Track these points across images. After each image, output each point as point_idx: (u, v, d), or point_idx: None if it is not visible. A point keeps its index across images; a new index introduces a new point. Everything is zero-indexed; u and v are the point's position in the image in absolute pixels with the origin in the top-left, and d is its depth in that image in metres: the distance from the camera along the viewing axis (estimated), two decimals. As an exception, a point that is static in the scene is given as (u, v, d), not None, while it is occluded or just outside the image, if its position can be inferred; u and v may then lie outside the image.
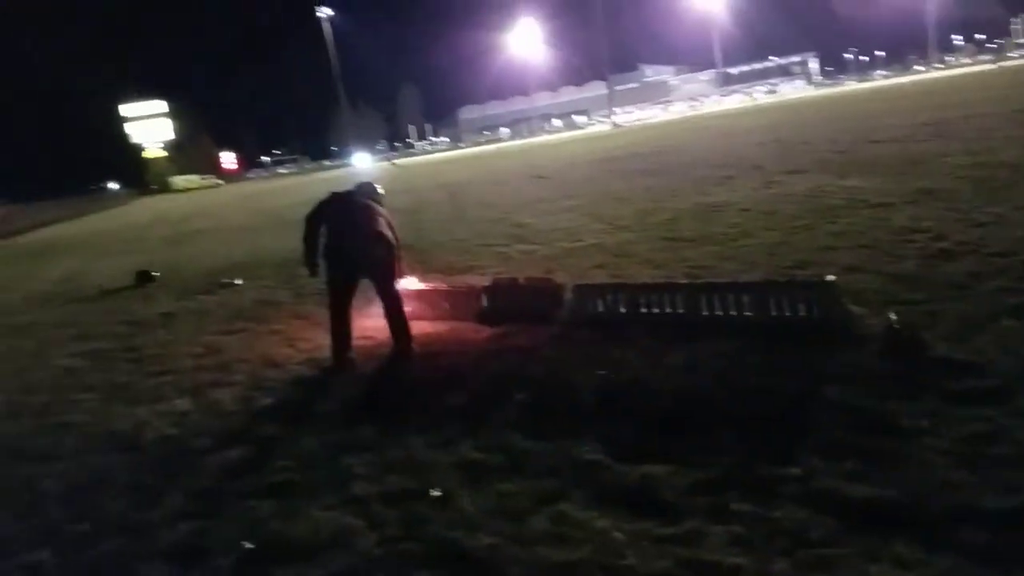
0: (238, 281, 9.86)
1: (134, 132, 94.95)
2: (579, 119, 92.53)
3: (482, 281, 6.32)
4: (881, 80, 48.46)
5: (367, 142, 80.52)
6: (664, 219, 9.93)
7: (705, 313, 5.06)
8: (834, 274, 5.80)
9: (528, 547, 2.71)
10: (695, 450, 3.26)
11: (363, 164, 59.87)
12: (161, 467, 3.98)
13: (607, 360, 4.61)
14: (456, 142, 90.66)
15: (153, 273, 11.30)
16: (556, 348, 5.04)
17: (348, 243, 5.34)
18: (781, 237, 7.58)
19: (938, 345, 4.07)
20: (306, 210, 5.52)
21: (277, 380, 5.22)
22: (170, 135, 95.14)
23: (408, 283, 6.10)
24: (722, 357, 4.39)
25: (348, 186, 5.84)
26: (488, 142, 70.90)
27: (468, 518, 2.97)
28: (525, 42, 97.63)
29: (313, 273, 5.54)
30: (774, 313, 4.81)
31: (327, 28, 71.39)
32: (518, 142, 61.50)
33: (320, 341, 5.88)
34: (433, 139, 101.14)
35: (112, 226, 31.69)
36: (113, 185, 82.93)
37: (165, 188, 78.71)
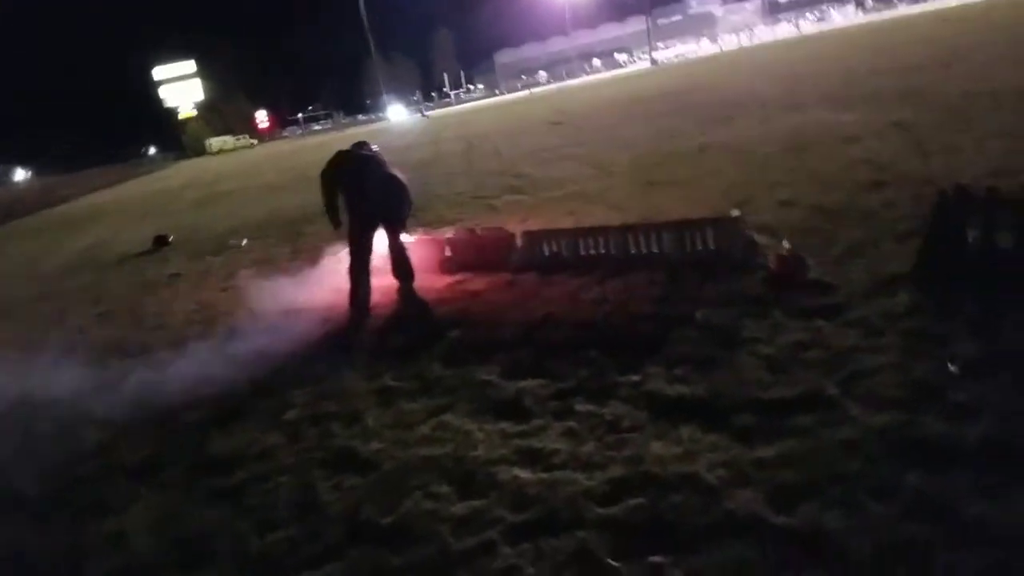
0: (244, 242, 10.70)
1: (168, 95, 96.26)
2: (620, 57, 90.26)
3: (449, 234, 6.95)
4: (932, 4, 45.69)
5: (401, 94, 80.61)
6: (654, 163, 10.33)
7: (633, 252, 5.66)
8: (771, 209, 6.34)
9: (406, 448, 3.48)
10: (565, 367, 3.95)
11: (398, 116, 60.33)
12: (136, 406, 4.70)
13: (537, 299, 5.29)
14: (492, 88, 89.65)
15: (168, 237, 12.21)
16: (499, 292, 5.71)
17: (368, 189, 5.75)
18: (743, 176, 8.00)
19: (816, 269, 4.60)
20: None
21: (253, 330, 5.92)
22: (200, 95, 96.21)
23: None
24: (630, 290, 5.02)
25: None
26: (525, 87, 69.87)
27: (368, 431, 3.76)
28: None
29: (337, 226, 6.05)
30: (688, 249, 5.39)
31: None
32: (555, 86, 60.71)
33: (295, 295, 6.62)
34: (469, 87, 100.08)
35: (147, 191, 33.18)
36: (152, 150, 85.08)
37: (200, 151, 79.78)
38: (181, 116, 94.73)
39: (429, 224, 8.87)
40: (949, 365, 3.12)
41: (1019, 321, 3.39)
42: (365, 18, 68.38)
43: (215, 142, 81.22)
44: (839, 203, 6.05)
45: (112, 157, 77.71)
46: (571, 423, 3.35)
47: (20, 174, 75.42)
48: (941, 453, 2.55)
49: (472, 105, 60.38)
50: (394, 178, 5.89)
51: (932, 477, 2.44)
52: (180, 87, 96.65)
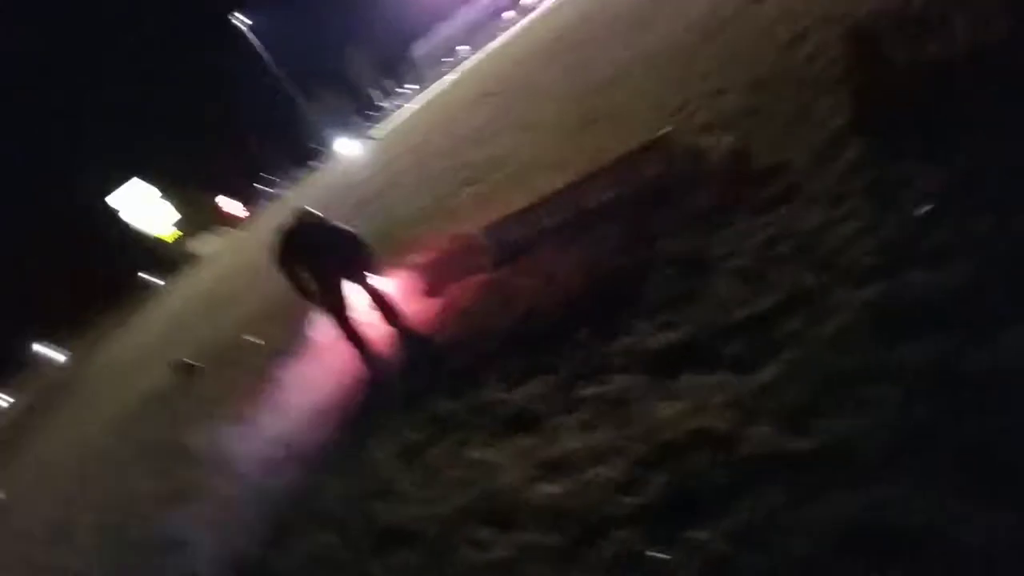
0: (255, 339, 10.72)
1: (132, 219, 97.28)
2: (526, 1, 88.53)
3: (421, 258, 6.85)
4: None
5: (341, 125, 79.92)
6: (584, 103, 10.05)
7: (589, 207, 5.53)
8: (707, 104, 6.16)
9: (442, 503, 3.47)
10: (560, 358, 3.87)
11: (346, 148, 59.81)
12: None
13: (517, 294, 5.19)
14: (421, 83, 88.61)
15: (194, 365, 12.20)
16: (482, 299, 5.62)
17: (321, 256, 5.74)
18: (673, 80, 7.76)
19: (761, 156, 4.45)
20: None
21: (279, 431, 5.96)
22: (166, 208, 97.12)
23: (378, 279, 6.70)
24: (595, 249, 4.90)
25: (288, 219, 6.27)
26: (452, 69, 68.91)
27: (405, 498, 3.77)
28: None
29: (311, 298, 5.96)
30: (635, 185, 5.24)
31: (252, 36, 70.08)
32: (480, 54, 59.74)
33: (307, 377, 6.62)
34: (400, 90, 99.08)
35: (155, 321, 33.39)
36: (145, 274, 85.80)
37: (189, 259, 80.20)
38: (156, 234, 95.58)
39: (408, 251, 8.79)
40: (915, 211, 2.98)
41: (964, 136, 3.24)
42: (275, 68, 67.90)
43: (199, 246, 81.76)
44: (767, 73, 5.84)
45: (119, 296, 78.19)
46: (581, 414, 3.29)
47: (47, 350, 76.52)
48: (928, 314, 2.44)
49: (410, 107, 59.78)
50: (337, 231, 5.85)
51: (925, 344, 2.33)
52: (141, 208, 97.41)
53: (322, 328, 7.51)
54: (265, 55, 67.92)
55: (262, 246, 35.21)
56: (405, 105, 74.24)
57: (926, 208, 2.95)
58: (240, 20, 69.16)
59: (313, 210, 6.21)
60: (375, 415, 4.93)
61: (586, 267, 4.74)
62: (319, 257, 5.73)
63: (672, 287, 3.74)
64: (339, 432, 5.12)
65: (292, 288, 5.85)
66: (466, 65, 59.56)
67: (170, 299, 49.31)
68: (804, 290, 3.00)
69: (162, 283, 74.36)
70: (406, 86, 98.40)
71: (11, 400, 54.29)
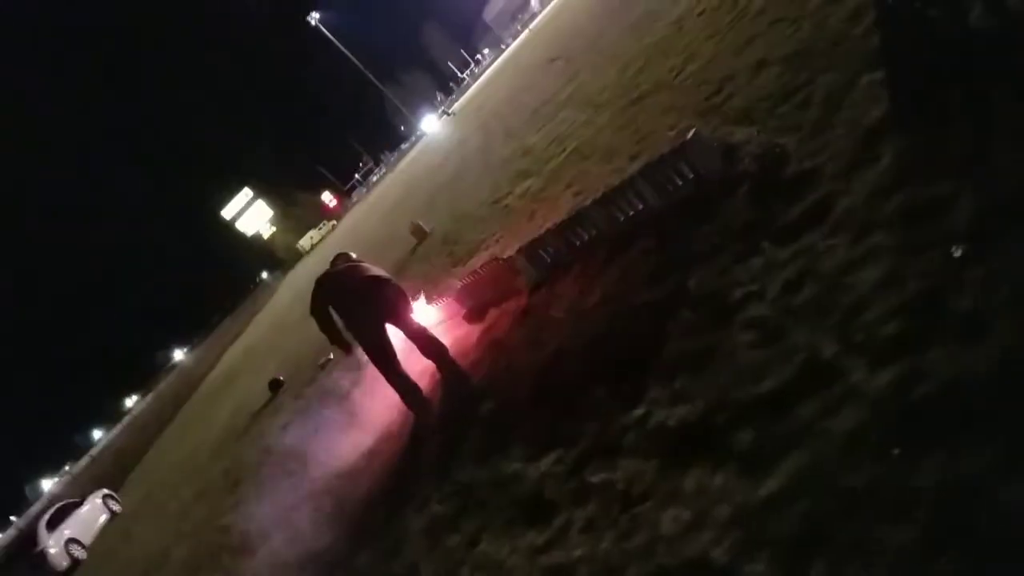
0: (330, 356, 10.99)
1: (244, 226, 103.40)
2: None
3: (462, 280, 6.68)
4: None
5: (425, 104, 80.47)
6: (637, 69, 9.48)
7: (621, 219, 5.14)
8: (747, 79, 5.56)
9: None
10: (577, 424, 3.59)
11: (431, 127, 60.33)
12: None
13: (548, 326, 4.93)
14: (498, 47, 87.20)
15: (281, 380, 12.83)
16: (517, 328, 5.39)
17: (357, 305, 5.60)
18: (719, 45, 7.08)
19: (798, 152, 3.91)
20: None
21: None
22: (269, 212, 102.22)
23: (420, 307, 6.65)
24: (626, 275, 4.54)
25: (327, 266, 6.25)
26: (523, 27, 67.43)
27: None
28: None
29: (349, 352, 6.03)
30: (670, 190, 4.79)
31: (326, 31, 71.50)
32: (547, 10, 58.09)
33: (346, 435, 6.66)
34: (479, 57, 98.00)
35: (267, 324, 35.34)
36: (265, 275, 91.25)
37: (298, 255, 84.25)
38: (266, 236, 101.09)
39: (463, 258, 8.70)
40: (952, 251, 2.46)
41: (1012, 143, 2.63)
42: (353, 58, 69.12)
43: (304, 242, 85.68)
44: (807, 38, 5.14)
45: (239, 298, 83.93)
46: (589, 509, 3.02)
47: (179, 354, 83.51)
48: (951, 414, 1.99)
49: (486, 75, 59.38)
50: (373, 279, 5.69)
51: (948, 459, 1.90)
52: (250, 215, 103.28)
53: (361, 373, 7.55)
54: (343, 49, 69.22)
55: (354, 232, 36.33)
56: (483, 73, 73.57)
57: (961, 249, 2.43)
58: (316, 19, 70.78)
59: (352, 253, 6.18)
60: (411, 476, 4.87)
61: (613, 302, 4.39)
62: (349, 304, 5.64)
63: (691, 340, 3.35)
64: (380, 491, 5.10)
65: (325, 335, 5.85)
66: (537, 22, 58.13)
67: (277, 297, 52.31)
68: (820, 364, 2.55)
69: (275, 281, 78.74)
70: (484, 52, 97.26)
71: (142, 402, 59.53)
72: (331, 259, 6.29)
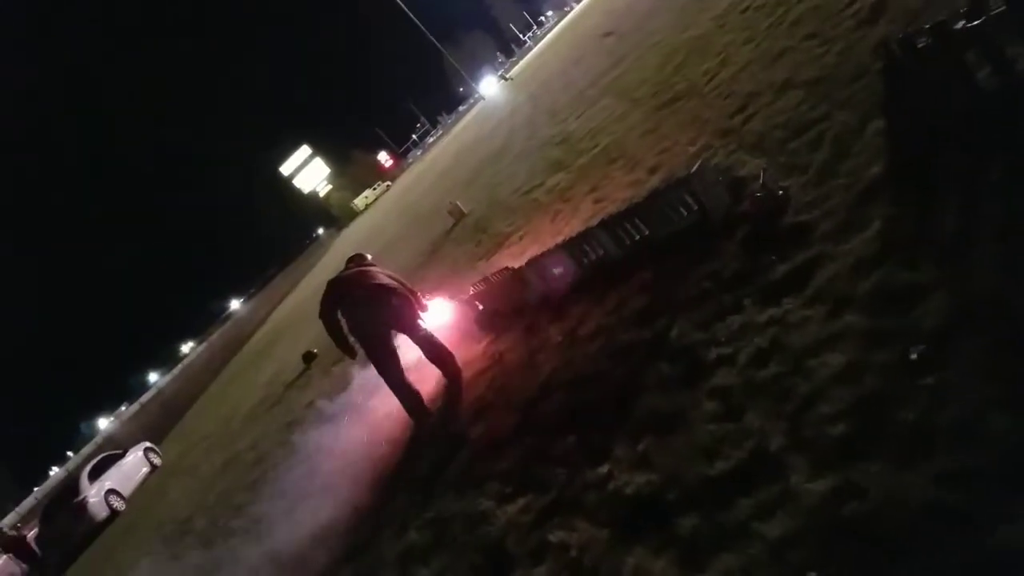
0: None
1: (302, 183, 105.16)
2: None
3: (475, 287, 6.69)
4: None
5: (484, 66, 79.61)
6: (675, 65, 9.22)
7: (627, 242, 5.08)
8: (770, 98, 5.39)
9: None
10: (548, 471, 3.62)
11: (489, 89, 59.76)
12: None
13: (543, 350, 4.94)
14: (562, 9, 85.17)
15: (314, 352, 13.14)
16: (518, 346, 5.40)
17: (362, 312, 5.67)
18: (751, 55, 6.81)
19: (798, 198, 3.79)
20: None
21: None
22: (326, 170, 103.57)
23: (436, 306, 6.69)
24: (620, 308, 4.50)
25: (341, 268, 6.33)
26: (586, -9, 65.58)
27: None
28: None
29: (352, 355, 6.15)
30: (674, 218, 4.70)
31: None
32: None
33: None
34: (543, 19, 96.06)
35: (315, 285, 36.12)
36: (321, 231, 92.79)
37: (352, 213, 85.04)
38: (322, 194, 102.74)
39: (491, 249, 8.72)
40: (910, 352, 2.37)
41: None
42: (414, 18, 68.62)
43: (359, 201, 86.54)
44: (833, 64, 4.91)
45: (294, 253, 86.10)
46: (544, 568, 3.06)
47: (235, 304, 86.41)
48: (878, 543, 1.95)
49: (546, 39, 58.33)
50: (379, 288, 5.72)
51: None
52: (307, 172, 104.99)
53: (365, 378, 7.64)
54: (404, 8, 68.74)
55: (403, 198, 36.57)
56: (545, 36, 72.15)
57: (918, 351, 2.34)
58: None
59: (367, 255, 6.23)
60: (399, 494, 4.97)
61: (604, 335, 4.37)
62: (354, 310, 5.68)
63: (662, 398, 3.32)
64: (369, 507, 5.19)
65: (331, 338, 5.94)
66: (601, -15, 56.45)
67: (330, 256, 53.18)
68: (767, 455, 2.51)
69: (329, 237, 79.93)
70: (548, 14, 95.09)
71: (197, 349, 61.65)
72: (346, 259, 6.37)
